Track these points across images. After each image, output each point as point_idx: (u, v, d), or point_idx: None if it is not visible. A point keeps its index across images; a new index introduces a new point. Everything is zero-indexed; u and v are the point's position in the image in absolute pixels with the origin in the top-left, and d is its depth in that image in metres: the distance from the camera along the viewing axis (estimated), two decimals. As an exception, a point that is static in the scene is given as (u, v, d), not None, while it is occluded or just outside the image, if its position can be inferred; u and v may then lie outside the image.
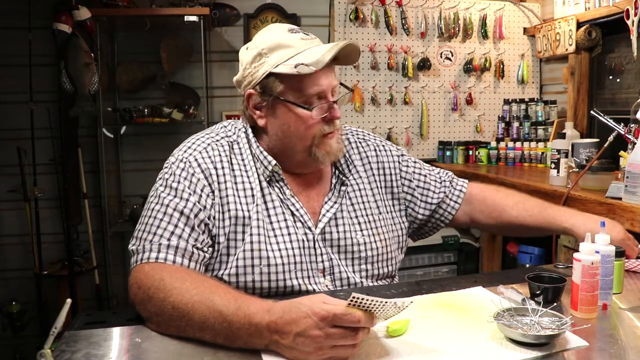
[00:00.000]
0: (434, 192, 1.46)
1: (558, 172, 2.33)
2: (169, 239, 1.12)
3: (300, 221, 1.26)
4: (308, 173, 1.32)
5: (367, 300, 0.85)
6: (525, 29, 3.53)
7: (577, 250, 1.11)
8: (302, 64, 1.17)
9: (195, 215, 1.16)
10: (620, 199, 1.86)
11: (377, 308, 0.87)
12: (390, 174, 1.43)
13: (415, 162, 1.50)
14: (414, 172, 1.47)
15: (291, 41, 1.20)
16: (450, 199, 1.48)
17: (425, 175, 1.48)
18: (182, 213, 1.15)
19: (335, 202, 1.32)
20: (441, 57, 3.46)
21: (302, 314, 0.87)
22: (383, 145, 1.46)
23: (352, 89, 1.34)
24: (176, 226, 1.14)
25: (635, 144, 1.77)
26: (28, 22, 2.63)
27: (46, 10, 2.70)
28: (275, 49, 1.20)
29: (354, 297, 0.85)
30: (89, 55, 2.69)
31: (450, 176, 1.53)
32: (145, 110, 3.03)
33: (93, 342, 0.97)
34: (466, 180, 1.54)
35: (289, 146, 1.26)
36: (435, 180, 1.49)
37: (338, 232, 1.29)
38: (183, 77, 3.21)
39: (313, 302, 0.87)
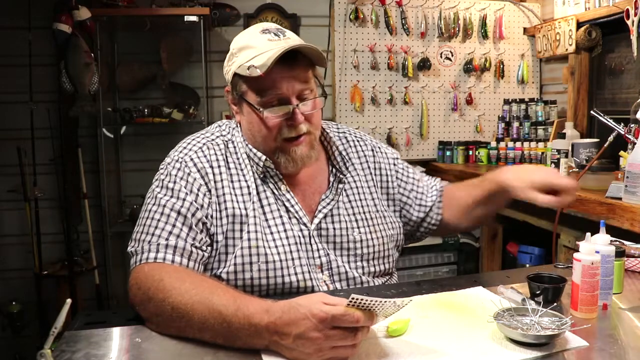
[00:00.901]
0: (427, 195, 1.47)
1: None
2: (167, 239, 1.12)
3: (295, 217, 1.27)
4: (299, 171, 1.30)
5: (367, 300, 0.85)
6: (525, 29, 3.52)
7: (577, 250, 1.11)
8: (252, 65, 1.17)
9: (193, 215, 1.16)
10: (620, 199, 1.86)
11: (376, 307, 0.88)
12: (387, 175, 1.44)
13: (408, 166, 1.51)
14: (408, 176, 1.47)
15: (257, 42, 1.20)
16: (440, 202, 1.48)
17: (419, 179, 1.49)
18: (179, 213, 1.15)
19: (332, 200, 1.32)
20: (441, 57, 3.46)
21: (300, 315, 0.87)
22: (379, 147, 1.48)
23: (326, 94, 1.30)
24: (174, 226, 1.14)
25: (635, 144, 1.78)
26: (28, 22, 2.63)
27: (46, 10, 2.70)
28: (243, 49, 1.22)
29: (353, 298, 0.85)
30: (89, 55, 2.69)
31: (437, 181, 1.53)
32: (145, 110, 3.03)
33: (93, 342, 0.97)
34: (444, 183, 1.53)
35: (256, 145, 1.26)
36: (427, 185, 1.50)
37: (334, 228, 1.30)
38: (183, 77, 3.21)
39: (312, 303, 0.87)
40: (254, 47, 1.20)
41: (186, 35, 3.10)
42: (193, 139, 1.29)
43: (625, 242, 1.46)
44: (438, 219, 1.46)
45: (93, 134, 3.05)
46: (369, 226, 1.34)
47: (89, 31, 2.72)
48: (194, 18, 2.85)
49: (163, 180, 1.21)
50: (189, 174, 1.20)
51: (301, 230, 1.26)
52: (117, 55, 3.15)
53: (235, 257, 1.19)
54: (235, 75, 1.23)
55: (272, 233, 1.23)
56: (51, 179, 2.95)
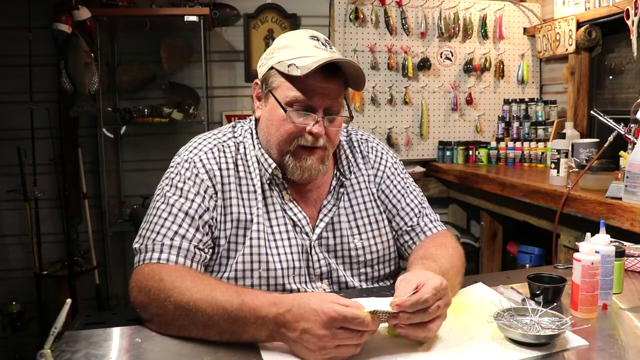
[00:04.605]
0: (410, 216, 1.35)
1: (558, 172, 2.33)
2: (172, 239, 1.12)
3: (298, 226, 1.26)
4: (304, 181, 1.27)
5: (388, 313, 0.90)
6: (525, 29, 3.52)
7: (577, 250, 1.11)
8: (294, 65, 1.16)
9: (200, 217, 1.17)
10: (620, 199, 1.86)
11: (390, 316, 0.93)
12: (388, 178, 1.39)
13: (405, 179, 1.41)
14: (408, 187, 1.39)
15: (304, 45, 1.20)
16: (417, 234, 1.35)
17: (413, 198, 1.38)
18: (186, 214, 1.15)
19: (333, 205, 1.31)
20: (441, 57, 3.46)
21: (311, 311, 0.88)
22: (382, 153, 1.41)
23: (352, 116, 1.29)
24: (180, 226, 1.14)
25: (635, 144, 1.77)
26: (28, 22, 2.63)
27: (46, 10, 2.70)
28: (287, 47, 1.21)
29: (376, 311, 0.89)
30: (89, 55, 2.69)
31: (431, 218, 1.39)
32: (145, 110, 3.03)
33: (93, 342, 0.98)
34: (439, 228, 1.38)
35: (269, 146, 1.25)
36: (417, 206, 1.37)
37: (335, 237, 1.29)
38: (183, 77, 3.21)
39: (323, 301, 0.88)
40: (299, 49, 1.20)
41: (186, 35, 3.10)
42: (205, 139, 1.28)
43: (625, 243, 1.46)
44: (409, 251, 1.35)
45: (93, 134, 3.04)
46: (372, 230, 1.33)
47: (89, 31, 2.72)
48: (194, 18, 2.85)
49: (173, 179, 1.21)
50: (197, 175, 1.20)
51: (303, 239, 1.26)
52: (117, 55, 3.15)
53: (236, 262, 1.19)
54: (271, 69, 1.22)
55: (275, 240, 1.23)
56: (51, 179, 2.95)
